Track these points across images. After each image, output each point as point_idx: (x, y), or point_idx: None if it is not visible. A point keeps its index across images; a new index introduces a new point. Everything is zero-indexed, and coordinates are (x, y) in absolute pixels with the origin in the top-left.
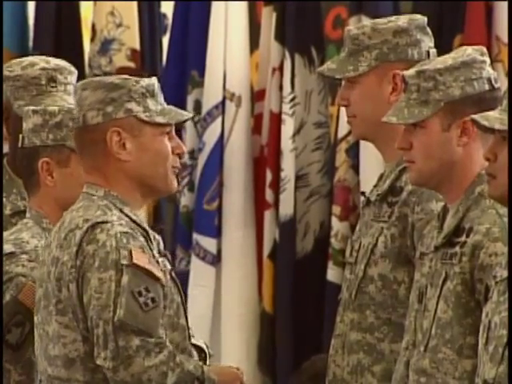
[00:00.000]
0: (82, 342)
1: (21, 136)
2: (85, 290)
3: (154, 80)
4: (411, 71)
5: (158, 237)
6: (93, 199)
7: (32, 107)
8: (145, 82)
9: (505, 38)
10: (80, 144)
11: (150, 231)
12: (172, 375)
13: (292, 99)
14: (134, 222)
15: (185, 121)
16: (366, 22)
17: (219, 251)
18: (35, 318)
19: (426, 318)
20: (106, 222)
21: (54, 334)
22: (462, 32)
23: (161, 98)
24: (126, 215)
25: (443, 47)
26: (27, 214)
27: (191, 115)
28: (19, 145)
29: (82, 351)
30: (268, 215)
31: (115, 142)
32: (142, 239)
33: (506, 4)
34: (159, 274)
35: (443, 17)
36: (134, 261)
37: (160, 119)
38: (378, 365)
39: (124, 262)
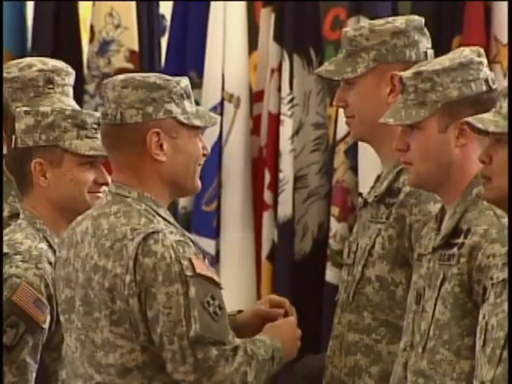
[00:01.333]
0: (140, 352)
1: (13, 137)
2: (149, 306)
3: (188, 81)
4: (408, 72)
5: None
6: (129, 202)
7: (24, 108)
8: (183, 83)
9: (503, 39)
10: (114, 141)
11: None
12: (251, 371)
13: (290, 100)
14: (172, 224)
15: (214, 125)
16: (364, 23)
17: (218, 252)
18: (63, 318)
19: (424, 319)
20: (158, 232)
21: (106, 342)
22: (460, 33)
23: (193, 98)
24: (164, 218)
25: (442, 48)
26: (21, 215)
27: (219, 118)
28: (12, 145)
29: (140, 361)
30: (266, 216)
31: (154, 143)
32: (191, 244)
33: (504, 5)
34: (217, 279)
35: (442, 18)
36: (198, 270)
37: (197, 122)
38: (375, 366)
39: (188, 273)
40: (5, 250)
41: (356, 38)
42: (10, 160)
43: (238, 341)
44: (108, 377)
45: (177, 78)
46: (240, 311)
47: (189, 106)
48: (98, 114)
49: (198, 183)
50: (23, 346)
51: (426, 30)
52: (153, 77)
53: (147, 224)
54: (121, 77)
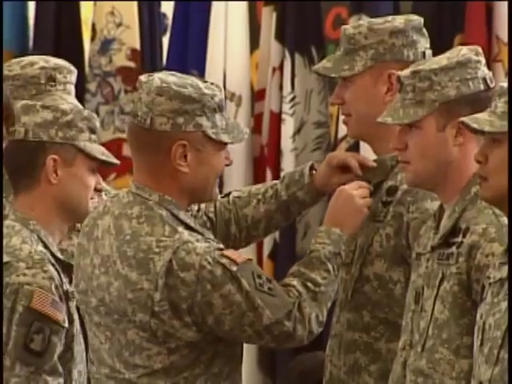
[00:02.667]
0: (167, 355)
1: (22, 129)
2: (208, 314)
3: (223, 94)
4: (406, 71)
5: None
6: (150, 206)
7: (40, 102)
8: (217, 97)
9: (505, 38)
10: (138, 143)
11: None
12: (320, 308)
13: (292, 99)
14: (193, 228)
15: (242, 141)
16: (363, 21)
17: None
18: (82, 308)
19: (423, 318)
20: (186, 243)
21: (132, 343)
22: (462, 32)
23: (225, 112)
24: (185, 223)
25: (443, 47)
26: (11, 216)
27: (248, 132)
28: (19, 137)
29: (167, 363)
30: None
31: (179, 154)
32: (213, 240)
33: (505, 4)
34: (248, 256)
35: (443, 17)
36: (237, 260)
37: (225, 138)
38: (374, 364)
39: (233, 268)
40: (6, 258)
41: (355, 36)
42: (14, 153)
43: (295, 287)
44: (134, 375)
45: (212, 92)
46: (312, 168)
47: (219, 119)
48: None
49: (216, 192)
50: (54, 349)
51: (424, 30)
52: (189, 88)
53: (172, 235)
54: (158, 82)
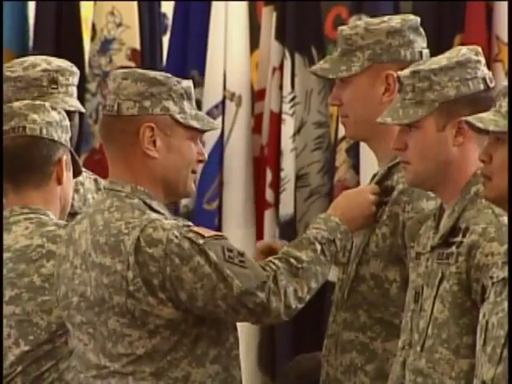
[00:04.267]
0: (148, 339)
1: (37, 126)
2: (180, 289)
3: (191, 83)
4: (406, 71)
5: None
6: (122, 197)
7: (47, 103)
8: (185, 83)
9: (505, 38)
10: (109, 132)
11: None
12: (301, 284)
13: (292, 99)
14: (163, 215)
15: (213, 129)
16: (360, 21)
17: None
18: (65, 314)
19: (423, 317)
20: (153, 220)
21: (113, 333)
22: (462, 32)
23: (194, 102)
24: (157, 211)
25: (443, 47)
26: (23, 209)
27: (219, 126)
28: (34, 133)
29: (149, 347)
30: (268, 215)
31: (147, 137)
32: (185, 221)
33: (506, 4)
34: (216, 232)
35: (443, 17)
36: (204, 234)
37: (194, 123)
38: (370, 364)
39: (200, 241)
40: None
41: (351, 36)
42: (32, 148)
43: (274, 262)
44: (119, 364)
45: (179, 78)
46: None
47: (188, 107)
48: None
49: (192, 188)
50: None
51: (421, 29)
52: (154, 72)
53: (140, 216)
54: (123, 69)
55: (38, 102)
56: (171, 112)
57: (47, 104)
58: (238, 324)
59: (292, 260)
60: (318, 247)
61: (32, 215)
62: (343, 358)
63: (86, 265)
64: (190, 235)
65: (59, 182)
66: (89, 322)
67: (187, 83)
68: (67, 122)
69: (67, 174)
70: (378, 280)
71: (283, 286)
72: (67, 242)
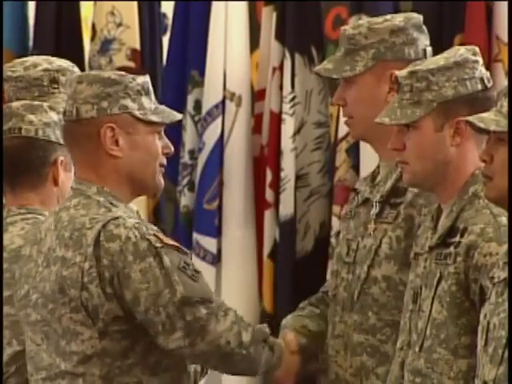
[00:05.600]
0: (98, 339)
1: (32, 127)
2: (126, 287)
3: (147, 78)
4: (404, 72)
5: None
6: (88, 195)
7: (46, 103)
8: (140, 79)
9: (505, 38)
10: (71, 137)
11: None
12: (246, 333)
13: (292, 99)
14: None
15: (175, 121)
16: (362, 21)
17: (219, 251)
18: (22, 314)
19: (421, 318)
20: (117, 218)
21: (66, 330)
22: (462, 32)
23: (153, 96)
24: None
25: (443, 47)
26: (20, 210)
27: (181, 116)
28: (30, 135)
29: (98, 348)
30: (268, 215)
31: (108, 138)
32: (153, 226)
33: (506, 4)
34: (184, 249)
35: (443, 17)
36: (166, 241)
37: (154, 118)
38: (382, 366)
39: (157, 244)
40: None
41: (355, 36)
42: (27, 149)
43: (230, 306)
44: (70, 364)
45: (133, 75)
46: None
47: (147, 102)
48: None
49: (161, 182)
50: None
51: (424, 27)
52: (108, 72)
53: (106, 213)
54: (79, 73)
55: (36, 103)
56: (130, 109)
57: (45, 104)
58: None
59: (241, 319)
60: (260, 351)
61: (29, 215)
62: (353, 360)
63: (49, 261)
64: (151, 238)
65: (56, 182)
66: (43, 320)
67: (143, 78)
68: None
69: (66, 175)
70: (391, 282)
71: (230, 319)
72: (32, 242)
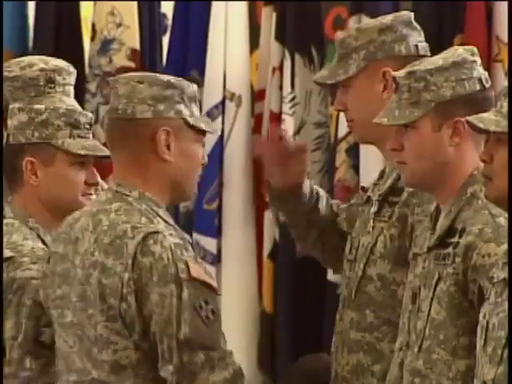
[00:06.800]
0: (133, 350)
1: (6, 133)
2: (144, 304)
3: (197, 87)
4: (402, 72)
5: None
6: (129, 201)
7: (17, 104)
8: (194, 87)
9: (505, 38)
10: (121, 136)
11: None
12: None
13: (292, 99)
14: (171, 225)
15: (215, 132)
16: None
17: (219, 251)
18: (56, 313)
19: (420, 318)
20: (158, 233)
21: (100, 338)
22: (462, 32)
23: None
24: (163, 219)
25: (443, 47)
26: (9, 214)
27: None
28: (4, 142)
29: (133, 358)
30: (268, 215)
31: (163, 141)
32: (190, 248)
33: (505, 4)
34: (215, 284)
35: (443, 17)
36: (193, 274)
37: (203, 126)
38: (377, 364)
39: (183, 275)
40: (9, 253)
41: (345, 40)
42: (3, 155)
43: (235, 359)
44: (103, 373)
45: (188, 82)
46: None
47: (196, 110)
48: (90, 115)
49: (195, 192)
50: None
51: (415, 24)
52: (167, 76)
53: (148, 223)
54: (135, 73)
55: (11, 106)
56: (184, 115)
57: (16, 106)
58: (239, 321)
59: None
60: None
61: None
62: (350, 358)
63: (86, 264)
64: (180, 265)
65: (33, 182)
66: (79, 324)
67: (195, 87)
68: (42, 117)
69: (45, 171)
70: (385, 281)
71: (226, 374)
72: (66, 241)
